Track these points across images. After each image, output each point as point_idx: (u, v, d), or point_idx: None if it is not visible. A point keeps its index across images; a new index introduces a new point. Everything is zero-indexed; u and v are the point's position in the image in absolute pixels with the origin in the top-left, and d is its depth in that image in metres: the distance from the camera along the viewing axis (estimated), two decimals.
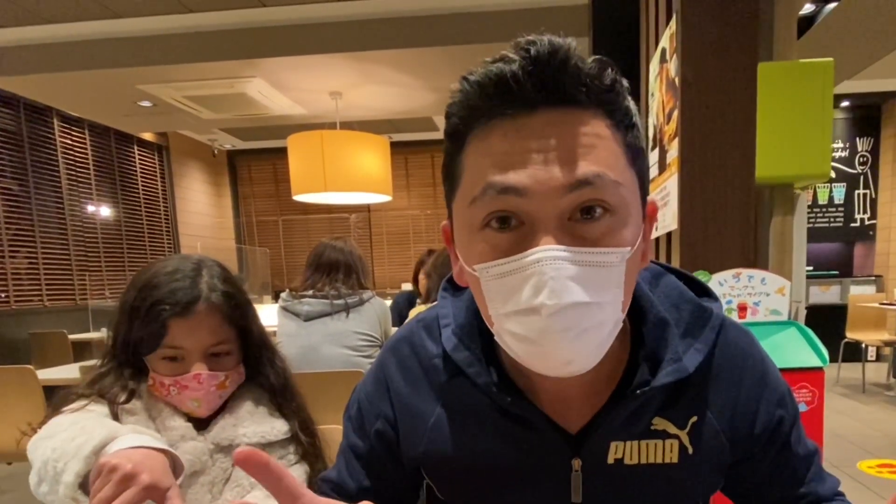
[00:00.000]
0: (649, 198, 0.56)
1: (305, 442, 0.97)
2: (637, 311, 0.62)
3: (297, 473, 0.96)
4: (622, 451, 0.61)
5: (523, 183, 0.48)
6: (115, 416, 0.89)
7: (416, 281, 3.21)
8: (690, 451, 0.62)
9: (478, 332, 0.62)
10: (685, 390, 0.61)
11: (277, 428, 0.94)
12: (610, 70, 0.50)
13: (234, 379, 0.94)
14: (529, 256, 0.48)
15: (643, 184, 0.54)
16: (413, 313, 2.78)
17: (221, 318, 0.91)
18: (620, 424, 0.60)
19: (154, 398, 0.92)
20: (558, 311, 0.48)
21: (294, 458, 0.97)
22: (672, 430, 0.61)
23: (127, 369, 0.93)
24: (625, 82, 0.51)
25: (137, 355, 0.91)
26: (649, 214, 0.57)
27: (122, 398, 0.89)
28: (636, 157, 0.53)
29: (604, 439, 0.61)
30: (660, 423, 0.61)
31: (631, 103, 0.52)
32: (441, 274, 2.54)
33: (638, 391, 0.58)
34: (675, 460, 0.61)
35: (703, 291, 0.66)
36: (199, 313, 0.89)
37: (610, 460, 0.61)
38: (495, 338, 0.56)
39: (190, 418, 0.93)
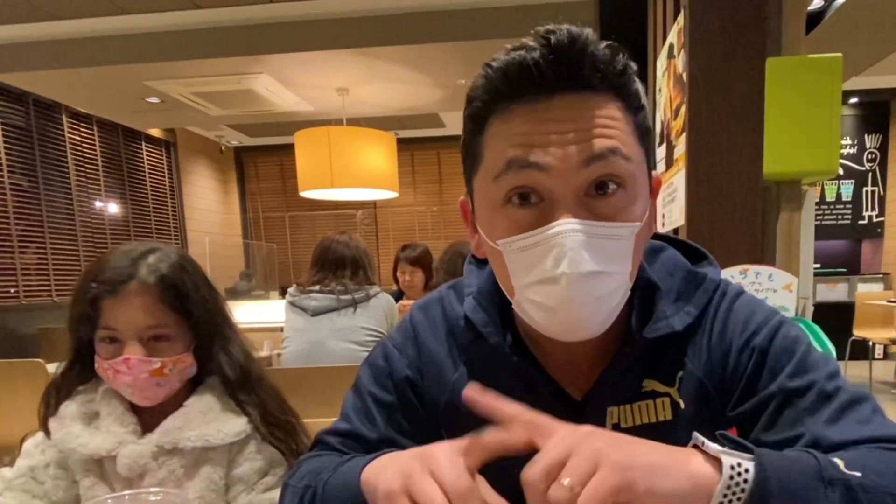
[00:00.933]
0: (655, 173, 0.61)
1: (266, 434, 0.94)
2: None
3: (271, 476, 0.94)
4: (618, 416, 0.64)
5: (545, 160, 0.53)
6: (47, 431, 0.91)
7: (395, 279, 3.19)
8: (682, 405, 0.63)
9: (497, 298, 0.66)
10: (670, 349, 0.63)
11: (226, 430, 0.91)
12: (621, 55, 0.54)
13: (178, 369, 0.91)
14: (551, 230, 0.53)
15: (649, 160, 0.59)
16: (405, 309, 2.78)
17: (156, 299, 0.88)
18: (614, 388, 0.63)
19: (107, 396, 0.92)
20: (577, 279, 0.53)
21: (259, 457, 0.93)
22: (661, 388, 0.63)
23: (77, 368, 0.94)
24: (633, 66, 0.55)
25: (79, 338, 0.91)
26: (654, 189, 0.61)
27: (51, 412, 0.91)
28: (644, 136, 0.57)
29: (602, 405, 0.64)
30: (649, 385, 0.64)
31: (639, 86, 0.56)
32: (448, 270, 2.54)
33: (626, 349, 0.62)
34: (668, 417, 0.63)
35: (702, 257, 0.69)
36: (130, 293, 0.87)
37: (607, 426, 0.64)
38: (514, 307, 0.60)
39: (141, 418, 0.92)
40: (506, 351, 0.64)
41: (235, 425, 0.92)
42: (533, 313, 0.57)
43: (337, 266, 2.36)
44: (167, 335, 0.90)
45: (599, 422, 0.63)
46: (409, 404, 0.71)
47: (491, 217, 0.57)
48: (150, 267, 0.89)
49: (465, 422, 0.66)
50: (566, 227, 0.52)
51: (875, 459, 0.50)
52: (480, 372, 0.68)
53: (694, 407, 0.63)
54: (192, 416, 0.91)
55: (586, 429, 0.46)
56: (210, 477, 0.90)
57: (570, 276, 0.52)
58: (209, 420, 0.91)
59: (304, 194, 4.73)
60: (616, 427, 0.63)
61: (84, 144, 5.42)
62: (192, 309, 0.92)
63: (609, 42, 0.53)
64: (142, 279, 0.88)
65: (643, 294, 0.64)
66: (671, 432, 0.62)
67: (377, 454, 0.60)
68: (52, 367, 2.67)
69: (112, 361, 0.87)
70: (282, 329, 2.47)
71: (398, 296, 3.06)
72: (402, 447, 0.69)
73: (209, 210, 7.31)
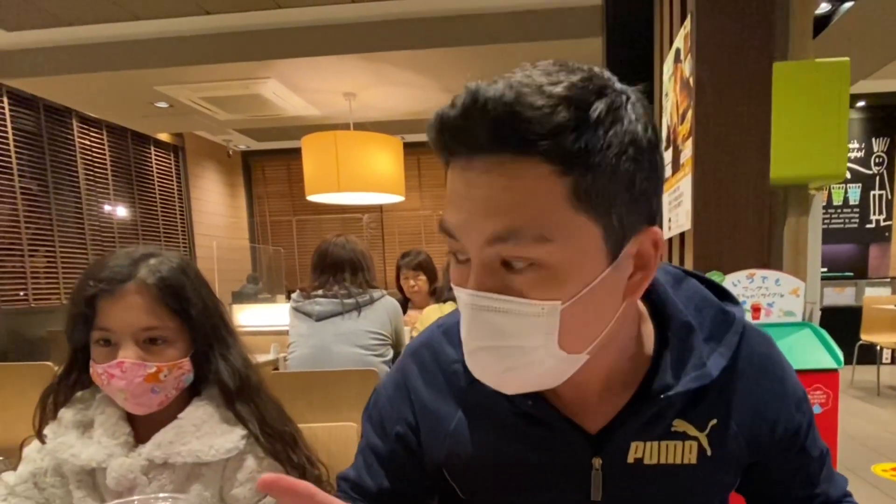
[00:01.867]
0: (649, 228, 0.53)
1: (266, 446, 0.91)
2: (662, 315, 0.64)
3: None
4: (642, 451, 0.62)
5: (456, 225, 0.51)
6: (41, 438, 0.90)
7: (399, 286, 3.19)
8: (709, 452, 0.63)
9: None
10: (707, 394, 0.62)
11: (218, 446, 0.88)
12: (564, 110, 0.45)
13: (175, 375, 0.88)
14: (461, 294, 0.52)
15: (614, 222, 0.50)
16: (412, 320, 2.79)
17: (154, 300, 0.86)
18: (641, 425, 0.61)
19: (103, 404, 0.90)
20: (473, 350, 0.54)
21: (259, 476, 0.91)
22: (692, 432, 0.62)
23: (74, 374, 0.92)
24: (595, 113, 0.47)
25: (74, 342, 0.89)
26: (650, 246, 0.54)
27: (46, 423, 0.89)
28: (595, 198, 0.48)
29: (625, 439, 0.62)
30: (680, 426, 0.62)
31: (603, 137, 0.47)
32: None
33: (662, 396, 0.59)
34: (693, 461, 0.62)
35: (725, 295, 0.67)
36: (128, 292, 0.85)
37: (630, 459, 0.62)
38: None
39: (137, 428, 0.90)
40: (513, 396, 0.60)
41: (228, 441, 0.89)
42: (471, 370, 0.57)
43: (336, 269, 2.35)
44: (164, 337, 0.87)
45: (620, 455, 0.62)
46: (407, 455, 0.70)
47: (450, 262, 0.57)
48: (150, 268, 0.88)
49: (469, 468, 0.68)
50: (468, 297, 0.51)
51: None
52: (481, 416, 0.66)
53: (721, 456, 0.64)
54: (186, 430, 0.88)
55: None
56: (201, 495, 0.87)
57: (467, 345, 0.54)
58: (202, 434, 0.88)
59: (311, 198, 4.75)
60: (639, 461, 0.62)
61: (93, 149, 5.46)
62: (192, 312, 0.89)
63: (555, 94, 0.46)
64: (141, 279, 0.86)
65: (679, 335, 0.61)
66: (692, 475, 0.63)
67: None
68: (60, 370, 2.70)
69: (106, 365, 0.84)
70: (288, 332, 2.48)
71: (404, 303, 3.07)
72: (405, 495, 0.71)
73: (217, 214, 7.35)
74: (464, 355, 0.56)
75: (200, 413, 0.90)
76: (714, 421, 0.62)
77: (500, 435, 0.65)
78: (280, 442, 0.93)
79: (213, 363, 0.92)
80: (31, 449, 0.92)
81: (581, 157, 0.46)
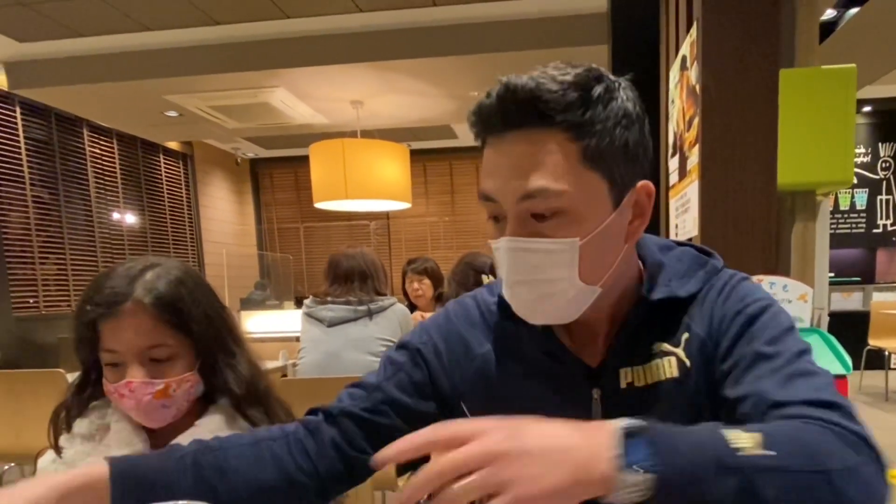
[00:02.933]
0: (641, 183, 0.67)
1: None
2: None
3: None
4: (631, 376, 0.71)
5: (493, 191, 0.65)
6: (57, 450, 0.89)
7: (404, 292, 3.21)
8: (688, 364, 0.69)
9: None
10: (677, 315, 0.71)
11: None
12: (573, 91, 0.61)
13: (184, 388, 0.88)
14: (500, 243, 0.65)
15: (616, 177, 0.64)
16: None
17: (153, 319, 0.85)
18: (626, 353, 0.71)
19: (118, 413, 0.90)
20: (512, 284, 0.67)
21: None
22: (668, 348, 0.70)
23: (87, 386, 0.92)
24: (595, 93, 0.62)
25: (82, 361, 0.89)
26: (642, 198, 0.68)
27: (61, 437, 0.90)
28: (598, 157, 0.62)
29: (615, 367, 0.71)
30: (660, 346, 0.71)
31: (603, 110, 0.62)
32: (460, 282, 2.57)
33: (635, 310, 0.70)
34: (675, 374, 0.69)
35: (709, 254, 0.77)
36: (126, 313, 0.84)
37: (623, 385, 0.71)
38: None
39: (152, 437, 0.90)
40: (533, 331, 0.73)
41: None
42: (510, 302, 0.70)
43: (346, 279, 2.39)
44: (169, 354, 0.87)
45: (614, 383, 0.71)
46: (415, 367, 0.79)
47: (488, 225, 0.70)
48: (146, 285, 0.86)
49: (487, 395, 0.77)
50: (502, 243, 0.65)
51: (795, 436, 0.51)
52: (506, 347, 0.77)
53: (698, 365, 0.69)
54: (202, 437, 0.87)
55: (507, 439, 0.48)
56: None
57: (506, 282, 0.68)
58: None
59: (319, 205, 4.78)
60: (630, 385, 0.71)
61: (104, 157, 5.52)
62: (193, 326, 0.89)
63: (566, 80, 0.61)
64: (137, 299, 0.85)
65: (650, 270, 0.73)
66: (679, 390, 0.70)
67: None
68: (71, 376, 2.72)
69: (116, 385, 0.85)
70: (297, 339, 2.49)
71: (410, 309, 3.08)
72: (395, 401, 0.77)
73: (225, 221, 7.39)
74: (503, 294, 0.71)
75: (215, 422, 0.91)
76: (686, 335, 0.70)
77: (519, 367, 0.76)
78: None
79: (221, 373, 0.92)
80: (45, 460, 0.92)
81: (587, 126, 0.62)
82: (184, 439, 0.87)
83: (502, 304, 0.76)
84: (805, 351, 0.64)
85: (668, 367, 0.70)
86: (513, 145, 0.63)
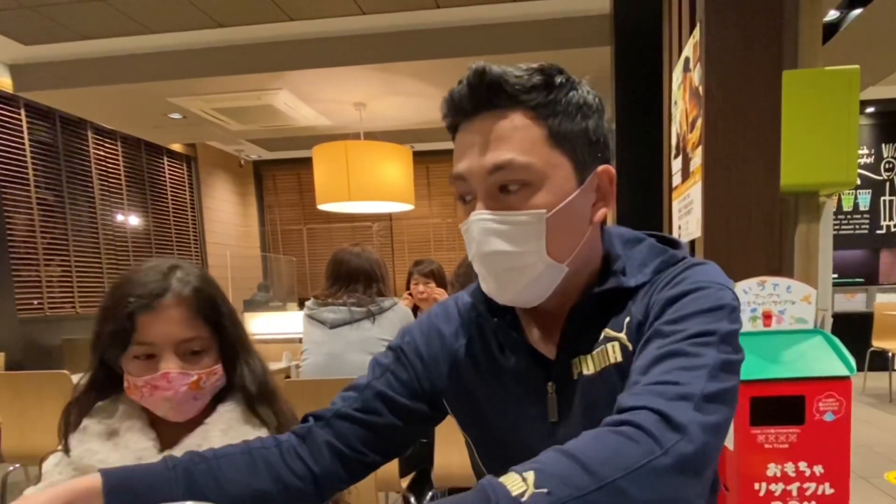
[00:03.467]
0: (603, 167, 0.70)
1: None
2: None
3: None
4: (581, 366, 0.72)
5: (463, 171, 0.68)
6: (66, 448, 0.89)
7: (411, 295, 3.21)
8: (630, 347, 0.69)
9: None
10: (621, 301, 0.72)
11: None
12: (539, 75, 0.66)
13: (212, 381, 0.92)
14: (470, 218, 0.68)
15: (578, 158, 0.68)
16: None
17: (191, 312, 0.89)
18: (576, 342, 0.72)
19: (126, 413, 0.91)
20: (483, 256, 0.68)
21: None
22: (612, 333, 0.71)
23: (97, 385, 0.93)
24: (558, 80, 0.67)
25: (109, 358, 0.90)
26: (604, 181, 0.71)
27: (73, 429, 0.90)
28: (563, 138, 0.67)
29: (567, 358, 0.73)
30: (607, 333, 0.71)
31: (564, 96, 0.67)
32: (463, 284, 2.57)
33: (583, 299, 0.72)
34: (619, 359, 0.69)
35: (672, 244, 0.77)
36: (167, 306, 0.87)
37: (574, 376, 0.72)
38: None
39: (161, 435, 0.91)
40: (493, 321, 0.77)
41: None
42: (482, 282, 0.73)
43: (350, 279, 2.37)
44: (201, 348, 0.90)
45: (566, 375, 0.73)
46: (400, 366, 0.81)
47: (457, 210, 0.74)
48: (181, 280, 0.90)
49: (462, 390, 0.79)
50: (473, 217, 0.67)
51: (576, 456, 0.49)
52: (477, 341, 0.80)
53: (636, 345, 0.67)
54: (212, 434, 0.91)
55: None
56: None
57: (477, 255, 0.69)
58: (230, 438, 0.90)
59: (322, 207, 4.79)
60: (581, 375, 0.71)
61: (108, 159, 5.54)
62: (223, 322, 0.93)
63: (531, 68, 0.67)
64: (177, 292, 0.88)
65: (604, 263, 0.74)
66: (623, 374, 0.65)
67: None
68: (76, 378, 2.74)
69: (149, 378, 0.86)
70: (300, 340, 2.49)
71: (414, 311, 3.09)
72: (387, 398, 0.79)
73: (228, 223, 7.41)
74: (476, 271, 0.72)
75: (226, 418, 0.93)
76: (628, 318, 0.70)
77: (487, 362, 0.78)
78: None
79: (239, 369, 0.96)
80: (50, 464, 0.92)
81: (551, 108, 0.67)
82: (194, 438, 0.90)
83: (476, 301, 0.80)
84: (707, 333, 0.59)
85: (613, 352, 0.70)
86: (482, 124, 0.67)
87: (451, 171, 0.71)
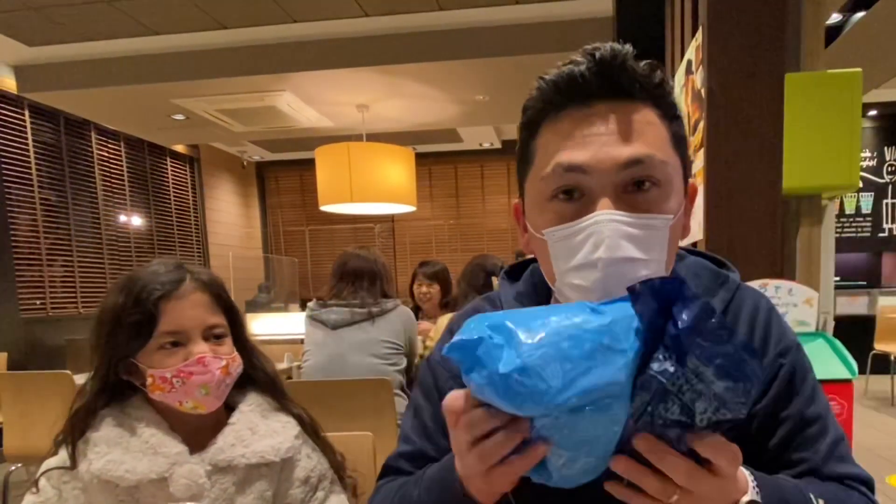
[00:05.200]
0: (691, 180, 0.66)
1: (313, 435, 0.96)
2: None
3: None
4: None
5: (586, 161, 0.59)
6: (74, 461, 0.87)
7: (412, 293, 3.22)
8: None
9: (535, 299, 0.73)
10: None
11: (278, 445, 0.91)
12: (659, 71, 0.60)
13: (235, 367, 0.92)
14: (590, 219, 0.58)
15: (685, 166, 0.64)
16: (425, 331, 2.81)
17: (212, 297, 0.91)
18: None
19: (143, 419, 0.89)
20: (612, 263, 0.57)
21: (311, 474, 0.93)
22: None
23: (106, 392, 0.90)
24: (670, 82, 0.61)
25: (127, 355, 0.87)
26: (690, 194, 0.67)
27: (81, 432, 0.88)
28: (679, 143, 0.63)
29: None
30: None
31: (675, 99, 0.63)
32: (469, 282, 2.57)
33: None
34: None
35: (723, 265, 0.74)
36: (190, 290, 0.88)
37: None
38: (555, 294, 0.66)
39: (186, 439, 0.89)
40: None
41: (286, 440, 0.92)
42: (571, 296, 0.61)
43: (354, 279, 2.38)
44: (224, 333, 0.92)
45: None
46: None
47: (540, 212, 0.63)
48: (194, 271, 0.92)
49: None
50: (604, 216, 0.57)
51: (842, 499, 0.63)
52: None
53: None
54: (243, 434, 0.91)
55: None
56: (262, 494, 0.90)
57: (605, 261, 0.57)
58: (260, 437, 0.91)
59: (324, 208, 4.80)
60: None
61: (111, 160, 5.56)
62: (236, 314, 0.95)
63: (650, 60, 0.60)
64: (195, 278, 0.90)
65: None
66: None
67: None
68: (78, 378, 2.74)
69: (182, 366, 0.86)
70: (302, 341, 2.50)
71: (414, 311, 3.09)
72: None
73: (231, 224, 7.42)
74: (573, 282, 0.60)
75: (250, 418, 0.93)
76: None
77: None
78: (319, 439, 0.97)
79: (256, 359, 0.97)
80: (54, 479, 0.89)
81: (673, 109, 0.62)
82: (227, 437, 0.90)
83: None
84: (828, 404, 0.69)
85: None
86: (605, 115, 0.59)
87: (560, 158, 0.60)
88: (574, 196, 0.60)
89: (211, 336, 0.90)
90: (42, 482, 0.89)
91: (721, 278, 0.71)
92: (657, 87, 0.60)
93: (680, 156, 0.63)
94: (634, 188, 0.59)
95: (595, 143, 0.59)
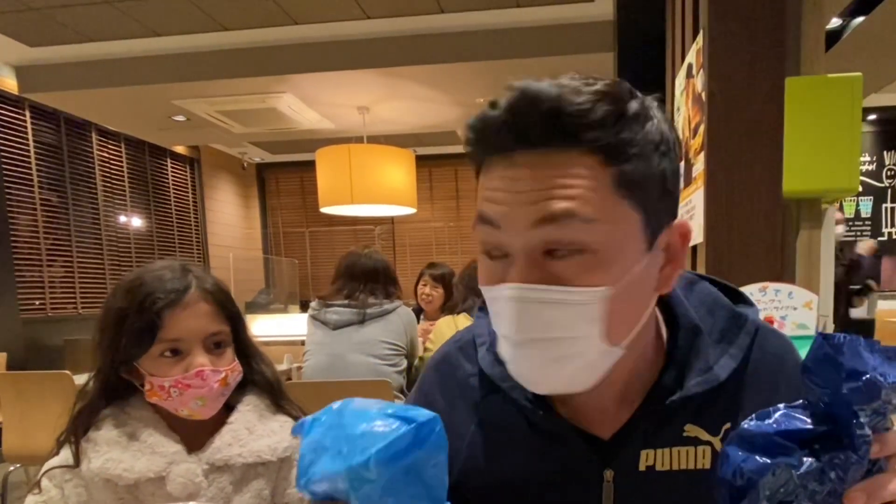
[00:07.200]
0: (677, 221, 0.56)
1: None
2: (673, 319, 0.64)
3: None
4: (653, 458, 0.61)
5: (497, 216, 0.51)
6: (77, 459, 0.87)
7: (416, 294, 3.23)
8: None
9: None
10: (719, 397, 0.61)
11: (274, 444, 0.91)
12: (605, 104, 0.49)
13: (233, 377, 0.91)
14: (503, 290, 0.51)
15: (652, 212, 0.53)
16: (425, 332, 2.82)
17: (215, 306, 0.90)
18: (652, 432, 0.61)
19: (142, 419, 0.89)
20: (520, 343, 0.52)
21: None
22: (704, 436, 0.61)
23: (108, 392, 0.90)
24: (631, 109, 0.50)
25: (128, 360, 0.88)
26: (677, 238, 0.56)
27: (84, 429, 0.88)
28: (636, 188, 0.51)
29: (635, 447, 0.61)
30: (692, 430, 0.61)
31: (636, 134, 0.50)
32: (468, 285, 2.57)
33: (666, 401, 0.59)
34: (707, 466, 0.61)
35: (739, 297, 0.66)
36: (194, 300, 0.87)
37: (641, 467, 0.61)
38: None
39: (183, 438, 0.89)
40: (526, 405, 0.62)
41: (283, 440, 0.93)
42: (510, 366, 0.56)
43: (367, 279, 2.39)
44: (225, 341, 0.91)
45: (632, 464, 0.62)
46: None
47: (479, 262, 0.57)
48: (199, 277, 0.91)
49: (482, 483, 0.66)
50: (505, 291, 0.51)
51: None
52: (494, 430, 0.66)
53: None
54: (240, 434, 0.91)
55: None
56: (260, 493, 0.91)
57: (510, 340, 0.53)
58: (258, 436, 0.92)
59: (325, 210, 4.81)
60: (650, 468, 0.61)
61: (112, 161, 5.56)
62: (238, 319, 0.94)
63: (599, 89, 0.49)
64: (200, 286, 0.89)
65: (687, 337, 0.62)
66: (708, 481, 0.58)
67: None
68: (78, 378, 2.74)
69: (181, 378, 0.85)
70: (302, 342, 2.50)
71: (417, 312, 3.10)
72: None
73: (231, 225, 7.43)
74: (499, 352, 0.57)
75: (248, 418, 0.93)
76: (728, 425, 0.61)
77: (512, 449, 0.65)
78: None
79: (254, 365, 0.97)
80: (56, 477, 0.89)
81: (622, 148, 0.50)
82: (224, 437, 0.90)
83: (486, 378, 0.65)
84: None
85: (701, 456, 0.61)
86: (527, 168, 0.50)
87: (479, 208, 0.54)
88: (493, 255, 0.54)
89: (212, 344, 0.90)
90: (44, 482, 0.89)
91: (740, 320, 0.63)
92: (595, 128, 0.49)
93: (637, 201, 0.51)
94: (550, 255, 0.51)
95: (511, 198, 0.51)
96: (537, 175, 0.50)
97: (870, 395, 0.43)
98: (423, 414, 0.55)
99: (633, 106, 0.50)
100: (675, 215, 0.56)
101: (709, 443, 0.61)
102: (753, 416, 0.47)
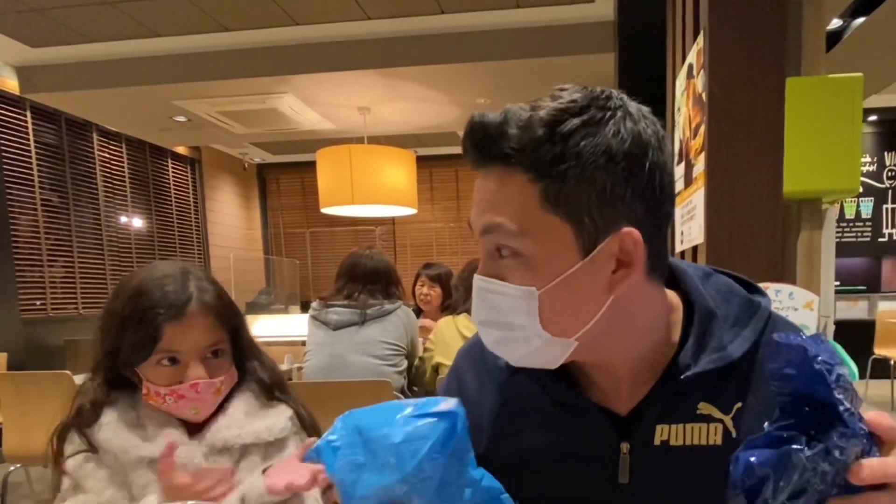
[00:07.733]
0: (626, 229, 0.58)
1: (308, 422, 0.99)
2: (690, 304, 0.68)
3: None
4: (668, 434, 0.66)
5: (471, 221, 0.63)
6: (89, 444, 0.90)
7: (414, 294, 3.23)
8: (734, 434, 0.65)
9: None
10: (731, 378, 0.65)
11: (272, 425, 0.95)
12: (540, 128, 0.56)
13: (228, 383, 0.95)
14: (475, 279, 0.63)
15: (584, 222, 0.57)
16: (426, 332, 2.81)
17: (214, 318, 0.91)
18: (666, 408, 0.65)
19: (142, 407, 0.93)
20: (479, 323, 0.64)
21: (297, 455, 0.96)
22: (717, 414, 0.65)
23: (105, 385, 0.93)
24: (567, 128, 0.55)
25: (128, 365, 0.90)
26: (631, 244, 0.58)
27: (90, 421, 0.90)
28: (563, 202, 0.56)
29: (651, 422, 0.66)
30: (705, 408, 0.65)
31: (572, 149, 0.55)
32: (467, 287, 2.58)
33: (682, 377, 0.64)
34: (718, 442, 0.65)
35: (753, 288, 0.71)
36: (193, 314, 0.89)
37: (656, 442, 0.66)
38: None
39: (184, 423, 0.93)
40: (547, 382, 0.69)
41: (279, 421, 0.97)
42: None
43: (367, 280, 2.40)
44: (223, 350, 0.93)
45: (647, 438, 0.66)
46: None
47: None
48: (200, 286, 0.92)
49: (506, 457, 0.71)
50: (476, 276, 0.62)
51: None
52: (518, 407, 0.73)
53: (745, 436, 0.63)
54: (237, 418, 0.95)
55: None
56: (256, 471, 0.93)
57: (473, 319, 0.65)
58: (254, 419, 0.95)
59: (325, 211, 4.81)
60: (665, 443, 0.65)
61: (113, 162, 5.56)
62: (239, 325, 0.96)
63: (536, 115, 0.56)
64: (200, 299, 0.90)
65: (701, 320, 0.66)
66: (718, 456, 0.61)
67: None
68: (77, 378, 2.74)
69: (176, 388, 0.88)
70: (303, 343, 2.50)
71: (416, 312, 3.10)
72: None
73: (231, 225, 7.43)
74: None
75: (246, 404, 0.97)
76: (739, 404, 0.65)
77: (535, 424, 0.71)
78: (316, 432, 0.99)
79: (251, 364, 1.00)
80: (84, 469, 0.90)
81: (550, 167, 0.56)
82: (222, 420, 0.93)
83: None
84: None
85: (713, 433, 0.65)
86: (483, 180, 0.61)
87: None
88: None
89: (209, 353, 0.92)
90: (65, 480, 0.92)
91: (754, 306, 0.68)
92: (526, 150, 0.56)
93: (565, 214, 0.57)
94: (499, 254, 0.60)
95: (475, 207, 0.62)
96: (486, 188, 0.60)
97: (833, 361, 0.47)
98: (445, 402, 0.61)
99: (571, 125, 0.56)
100: (630, 222, 0.58)
101: (721, 421, 0.65)
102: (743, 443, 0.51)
